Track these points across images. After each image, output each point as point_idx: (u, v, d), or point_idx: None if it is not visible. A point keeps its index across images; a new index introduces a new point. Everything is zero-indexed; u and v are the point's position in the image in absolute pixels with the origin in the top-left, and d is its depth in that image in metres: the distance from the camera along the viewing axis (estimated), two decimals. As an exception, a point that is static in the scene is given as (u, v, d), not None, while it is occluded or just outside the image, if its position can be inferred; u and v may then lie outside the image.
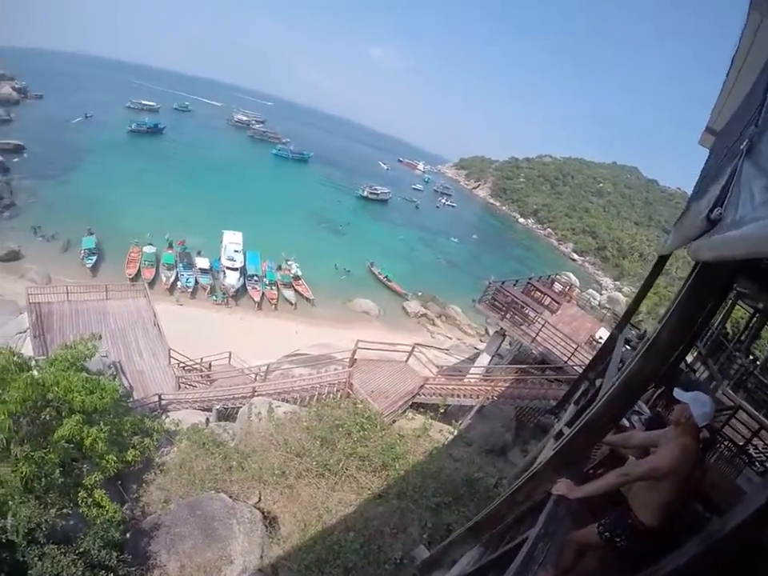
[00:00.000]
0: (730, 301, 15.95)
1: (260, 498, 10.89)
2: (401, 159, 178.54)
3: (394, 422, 16.34)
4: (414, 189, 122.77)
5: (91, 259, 38.55)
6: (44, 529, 6.16)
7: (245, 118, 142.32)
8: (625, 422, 5.57)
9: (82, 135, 76.24)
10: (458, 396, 18.26)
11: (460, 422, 17.47)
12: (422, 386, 18.39)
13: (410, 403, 18.16)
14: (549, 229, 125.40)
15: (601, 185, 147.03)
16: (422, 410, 17.96)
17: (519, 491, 4.54)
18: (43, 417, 9.06)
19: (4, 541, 5.85)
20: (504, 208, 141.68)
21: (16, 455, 8.23)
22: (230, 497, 10.39)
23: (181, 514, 9.47)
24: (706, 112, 6.63)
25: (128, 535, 8.33)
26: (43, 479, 8.32)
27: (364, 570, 8.46)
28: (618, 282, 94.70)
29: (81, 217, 44.57)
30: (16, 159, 56.96)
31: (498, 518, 4.85)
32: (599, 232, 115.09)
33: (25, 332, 23.02)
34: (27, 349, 18.86)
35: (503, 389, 18.16)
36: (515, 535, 4.15)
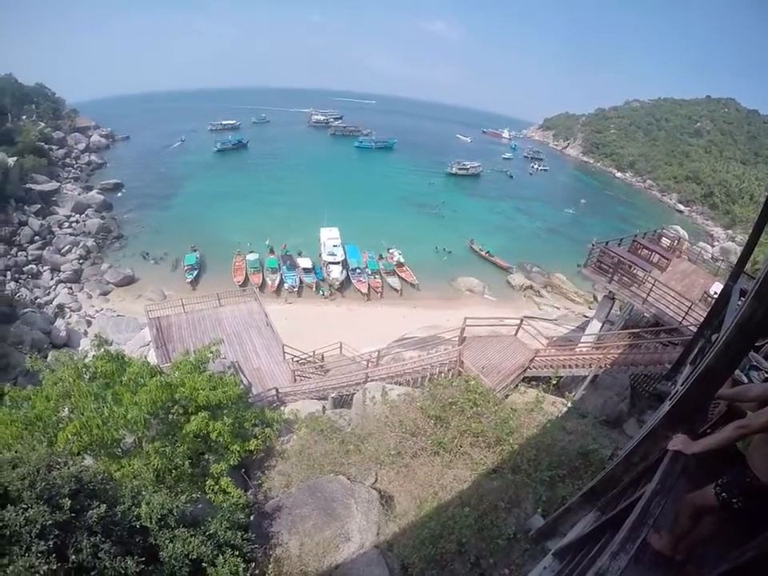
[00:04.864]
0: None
1: (376, 479, 11.09)
2: (485, 130, 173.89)
3: (506, 397, 16.14)
4: (505, 158, 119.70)
5: (191, 274, 41.68)
6: (175, 514, 6.56)
7: (322, 118, 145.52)
8: (743, 377, 5.21)
9: (173, 163, 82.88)
10: (570, 367, 17.76)
11: (573, 393, 17.00)
12: (532, 359, 18.18)
13: (522, 377, 17.97)
14: (649, 180, 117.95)
15: (698, 124, 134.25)
16: (533, 383, 17.63)
17: (635, 452, 4.40)
18: (172, 416, 9.82)
19: (138, 527, 6.32)
20: (599, 164, 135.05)
21: (148, 451, 8.94)
22: (348, 479, 10.72)
23: (301, 496, 9.82)
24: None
25: (251, 518, 8.78)
26: (173, 471, 9.07)
27: (477, 544, 8.43)
28: (729, 231, 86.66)
29: (185, 236, 48.50)
30: (119, 195, 63.69)
31: (614, 482, 4.72)
32: (703, 177, 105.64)
33: (147, 345, 25.14)
34: (151, 359, 20.40)
35: (616, 356, 17.45)
36: (631, 497, 4.04)
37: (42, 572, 4.39)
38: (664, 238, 27.78)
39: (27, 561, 4.41)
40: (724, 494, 3.23)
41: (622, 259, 20.15)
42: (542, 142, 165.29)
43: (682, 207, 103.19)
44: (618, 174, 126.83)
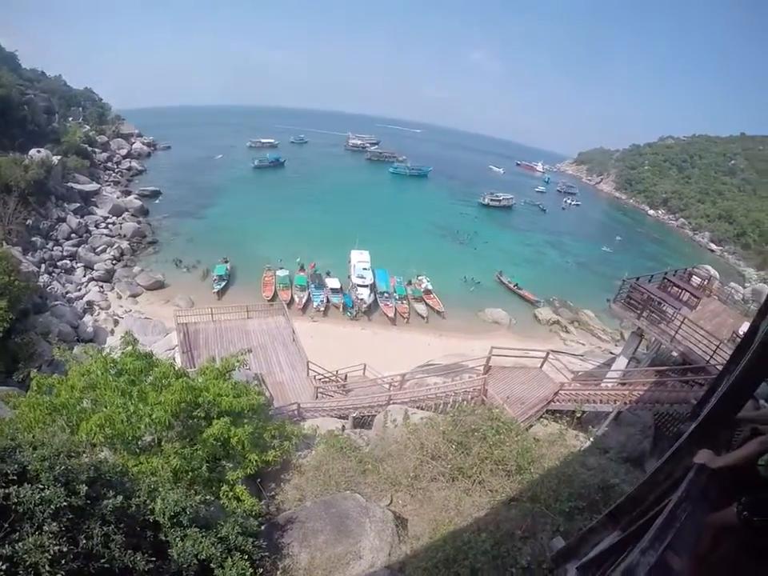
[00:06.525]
0: None
1: (391, 501, 11.04)
2: (519, 162, 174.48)
3: (530, 428, 16.10)
4: (537, 191, 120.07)
5: (219, 284, 42.40)
6: (188, 513, 6.61)
7: (359, 142, 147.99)
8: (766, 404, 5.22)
9: (211, 176, 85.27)
10: (594, 402, 17.54)
11: (596, 428, 16.73)
12: (557, 393, 18.04)
13: (545, 410, 17.84)
14: (681, 218, 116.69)
15: (732, 162, 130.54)
16: (557, 416, 17.47)
17: (660, 470, 4.40)
18: (194, 419, 9.92)
19: (150, 521, 6.36)
20: (631, 201, 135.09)
21: (167, 451, 9.03)
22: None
23: (315, 510, 9.79)
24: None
25: (263, 528, 8.75)
26: (190, 473, 9.10)
27: (490, 572, 8.27)
28: (762, 272, 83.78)
29: (218, 247, 49.57)
30: (157, 201, 65.57)
31: (639, 500, 4.73)
32: (736, 216, 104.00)
33: (173, 349, 25.65)
34: (176, 363, 20.80)
35: (641, 393, 17.20)
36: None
37: (51, 552, 4.43)
38: (695, 277, 27.29)
39: (38, 539, 4.45)
40: (745, 512, 3.17)
41: (651, 296, 19.90)
42: (576, 176, 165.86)
43: (714, 246, 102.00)
44: (651, 212, 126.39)
